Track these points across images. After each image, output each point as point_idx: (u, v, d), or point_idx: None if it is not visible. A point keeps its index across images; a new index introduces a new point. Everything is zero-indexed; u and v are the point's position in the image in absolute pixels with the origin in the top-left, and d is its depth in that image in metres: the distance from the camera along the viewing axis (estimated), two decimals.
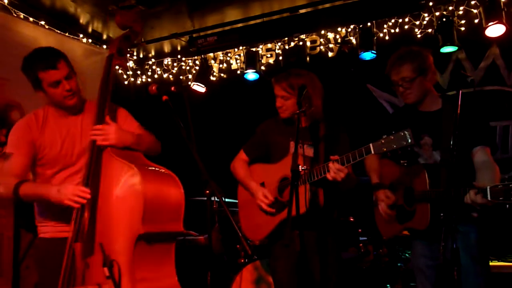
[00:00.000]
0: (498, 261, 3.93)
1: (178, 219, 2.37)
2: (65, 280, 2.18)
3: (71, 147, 2.50)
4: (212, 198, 3.89)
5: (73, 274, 2.20)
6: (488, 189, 2.14)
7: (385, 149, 2.27)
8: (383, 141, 2.27)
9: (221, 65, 5.87)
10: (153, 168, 2.39)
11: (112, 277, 2.06)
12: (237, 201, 3.07)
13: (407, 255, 4.49)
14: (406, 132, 2.19)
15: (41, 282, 2.52)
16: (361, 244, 4.32)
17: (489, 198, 2.13)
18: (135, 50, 5.99)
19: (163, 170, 2.41)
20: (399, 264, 4.14)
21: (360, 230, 4.38)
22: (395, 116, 2.91)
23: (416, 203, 2.52)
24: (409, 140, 2.18)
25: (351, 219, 4.35)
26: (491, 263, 3.60)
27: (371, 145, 2.32)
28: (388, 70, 2.65)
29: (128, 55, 5.84)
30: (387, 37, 4.98)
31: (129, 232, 2.17)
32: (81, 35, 5.28)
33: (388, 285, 4.20)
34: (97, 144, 2.31)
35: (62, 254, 2.22)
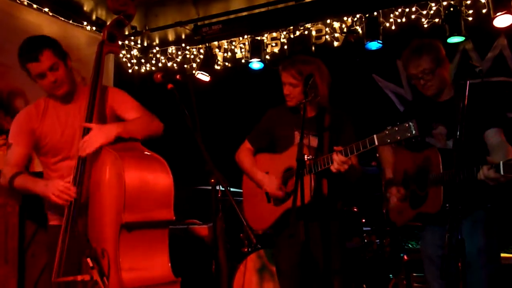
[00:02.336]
0: (502, 252, 3.93)
1: (167, 206, 2.34)
2: (56, 269, 2.21)
3: (71, 135, 2.51)
4: (217, 187, 3.91)
5: (75, 263, 2.22)
6: (501, 164, 2.14)
7: (389, 140, 2.25)
8: (387, 132, 2.25)
9: (225, 54, 5.84)
10: (139, 153, 2.36)
11: (98, 267, 2.08)
12: (241, 190, 3.07)
13: (410, 245, 4.50)
14: (410, 123, 2.17)
15: (49, 267, 2.54)
16: (364, 234, 4.33)
17: (502, 173, 2.13)
18: (139, 38, 5.96)
19: (149, 154, 2.37)
20: (402, 254, 4.14)
21: (363, 220, 4.39)
22: (408, 109, 2.90)
23: (428, 187, 2.51)
24: (414, 132, 2.16)
25: (355, 209, 4.36)
26: None
27: (375, 136, 2.30)
28: (404, 63, 2.63)
29: (132, 43, 5.87)
30: (393, 27, 4.93)
31: (114, 221, 2.17)
32: (85, 23, 5.24)
33: (391, 275, 4.21)
34: (83, 156, 2.30)
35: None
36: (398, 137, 2.21)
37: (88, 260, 2.08)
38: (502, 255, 3.88)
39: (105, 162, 2.26)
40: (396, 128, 2.22)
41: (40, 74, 2.38)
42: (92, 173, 2.30)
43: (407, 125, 2.18)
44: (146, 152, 2.40)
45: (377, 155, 2.97)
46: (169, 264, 2.33)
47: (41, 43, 2.39)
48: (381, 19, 4.90)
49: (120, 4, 2.54)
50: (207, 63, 5.50)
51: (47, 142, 2.50)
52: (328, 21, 5.24)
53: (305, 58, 2.81)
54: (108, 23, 5.36)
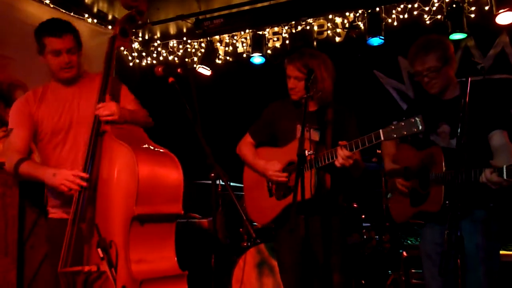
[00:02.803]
0: (501, 250, 3.93)
1: (177, 200, 2.36)
2: (63, 260, 2.21)
3: (68, 120, 2.53)
4: (217, 182, 3.91)
5: (79, 254, 2.22)
6: (504, 168, 2.13)
7: (395, 135, 2.24)
8: (393, 127, 2.24)
9: (227, 48, 5.83)
10: (151, 149, 2.38)
11: (107, 258, 2.08)
12: (241, 185, 3.07)
13: (409, 241, 4.51)
14: (417, 119, 2.15)
15: (50, 259, 2.56)
16: (364, 230, 4.33)
17: (505, 177, 2.12)
18: (140, 31, 5.94)
19: (162, 151, 2.39)
20: (401, 251, 4.15)
21: (363, 216, 4.39)
22: (412, 107, 2.89)
23: (430, 185, 2.51)
24: (420, 127, 2.15)
25: (355, 205, 4.36)
26: None
27: (381, 131, 2.29)
28: (410, 60, 2.61)
29: (133, 36, 5.85)
30: (395, 23, 4.92)
31: (124, 213, 2.18)
32: (86, 15, 5.23)
33: (389, 271, 4.22)
34: (102, 119, 2.34)
35: None
36: (405, 132, 2.20)
37: (99, 250, 2.07)
38: (503, 252, 3.89)
39: (116, 155, 2.27)
40: (403, 123, 2.21)
41: (56, 51, 2.44)
42: (101, 164, 2.30)
43: (413, 120, 2.17)
44: (157, 149, 2.42)
45: (379, 151, 2.96)
46: (176, 258, 2.36)
47: (67, 26, 2.51)
48: (383, 15, 4.89)
49: (132, 0, 2.54)
50: (208, 57, 5.49)
51: (44, 127, 2.52)
52: (330, 16, 5.23)
53: (312, 51, 2.81)
54: (109, 16, 5.41)
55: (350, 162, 2.42)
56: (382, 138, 2.29)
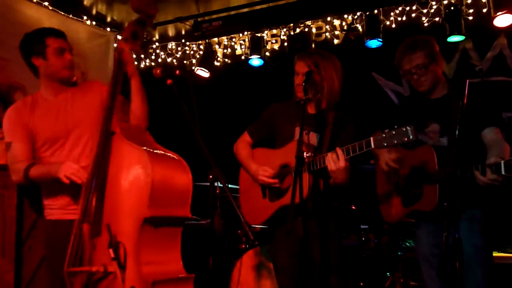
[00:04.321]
0: (498, 252, 3.94)
1: (186, 204, 2.38)
2: (71, 260, 2.20)
3: (64, 126, 2.54)
4: (215, 184, 3.91)
5: (80, 255, 2.21)
6: (502, 163, 2.14)
7: (385, 144, 2.25)
8: (384, 135, 2.25)
9: (225, 50, 5.83)
10: (163, 153, 2.39)
11: (117, 258, 2.07)
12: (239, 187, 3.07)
13: (407, 243, 4.50)
14: (408, 128, 2.16)
15: (47, 261, 2.57)
16: (362, 232, 4.33)
17: (503, 172, 2.13)
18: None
19: (172, 155, 2.42)
20: (399, 253, 4.15)
21: (361, 218, 4.39)
22: (402, 105, 2.91)
23: (423, 184, 2.52)
24: (411, 137, 2.16)
25: (353, 207, 4.36)
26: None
27: (371, 139, 2.30)
28: (397, 60, 2.65)
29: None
30: (393, 25, 4.93)
31: (135, 215, 2.18)
32: (84, 17, 5.23)
33: (388, 273, 4.22)
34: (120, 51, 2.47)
35: (69, 235, 2.24)
36: (395, 141, 2.21)
37: (111, 251, 2.07)
38: (499, 254, 3.90)
39: (128, 156, 2.27)
40: (394, 132, 2.21)
41: (62, 49, 2.55)
42: (110, 165, 2.30)
43: (404, 129, 2.18)
44: (167, 153, 2.43)
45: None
46: (181, 261, 2.37)
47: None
48: (381, 17, 4.90)
49: (143, 4, 2.56)
50: (207, 59, 5.49)
51: (41, 134, 2.52)
52: (329, 18, 5.24)
53: (322, 52, 2.85)
54: (108, 18, 5.41)
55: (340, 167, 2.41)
56: (373, 146, 2.29)
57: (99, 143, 2.30)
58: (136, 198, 2.20)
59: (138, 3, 2.56)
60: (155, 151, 2.35)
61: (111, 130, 2.32)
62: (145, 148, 2.28)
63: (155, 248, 2.25)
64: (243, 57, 5.73)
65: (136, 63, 6.02)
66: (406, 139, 2.18)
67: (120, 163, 2.28)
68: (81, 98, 2.60)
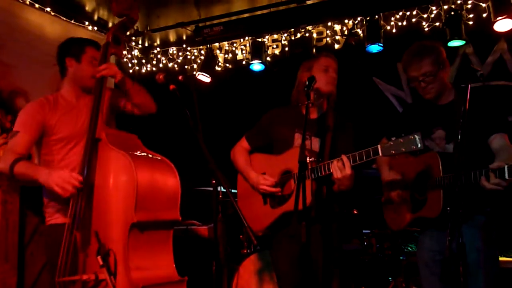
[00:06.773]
0: (501, 256, 3.94)
1: (174, 207, 2.37)
2: (61, 269, 2.19)
3: (82, 126, 2.57)
4: (218, 188, 3.91)
5: (73, 263, 2.21)
6: (506, 167, 2.14)
7: (393, 152, 2.24)
8: (392, 143, 2.25)
9: (226, 55, 5.85)
10: (148, 156, 2.39)
11: (106, 265, 2.07)
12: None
13: (409, 248, 4.50)
14: (416, 136, 2.16)
15: (50, 266, 2.54)
16: (364, 237, 4.33)
17: (506, 177, 2.13)
18: (140, 38, 5.97)
19: (158, 158, 2.41)
20: (401, 258, 4.15)
21: (364, 222, 4.39)
22: (407, 111, 2.90)
23: (428, 191, 2.51)
24: (419, 145, 2.16)
25: (355, 212, 4.36)
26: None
27: (379, 147, 2.29)
28: (405, 67, 2.62)
29: (133, 44, 5.87)
30: (394, 30, 4.95)
31: (122, 220, 2.18)
32: (86, 23, 5.25)
33: (390, 278, 4.22)
34: (104, 74, 2.51)
35: None
36: (403, 149, 2.21)
37: (99, 258, 2.07)
38: (502, 259, 3.89)
39: (113, 162, 2.27)
40: (401, 140, 2.21)
41: (96, 59, 2.62)
42: (97, 171, 2.30)
43: (412, 137, 2.18)
44: (153, 156, 2.43)
45: None
46: (174, 264, 2.36)
47: None
48: (382, 22, 4.91)
49: (124, 8, 2.59)
50: (208, 64, 5.50)
51: (61, 130, 2.56)
52: (329, 23, 5.26)
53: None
54: (110, 23, 5.43)
55: (346, 175, 2.41)
56: (381, 153, 2.29)
57: (85, 150, 2.31)
58: (122, 203, 2.20)
59: (119, 7, 2.59)
60: (139, 154, 2.35)
61: (96, 137, 2.33)
62: (129, 152, 2.27)
63: (144, 253, 2.23)
64: (244, 62, 5.74)
65: (137, 68, 6.05)
66: (414, 147, 2.18)
67: (106, 169, 2.28)
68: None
